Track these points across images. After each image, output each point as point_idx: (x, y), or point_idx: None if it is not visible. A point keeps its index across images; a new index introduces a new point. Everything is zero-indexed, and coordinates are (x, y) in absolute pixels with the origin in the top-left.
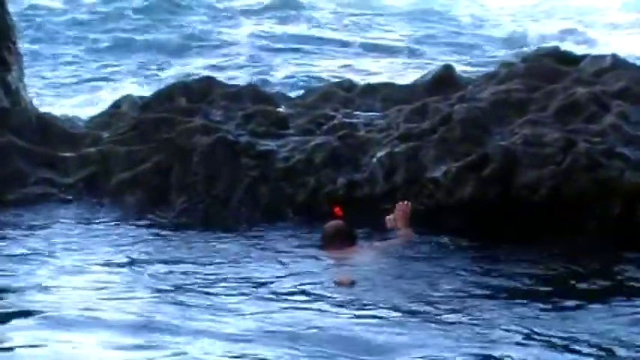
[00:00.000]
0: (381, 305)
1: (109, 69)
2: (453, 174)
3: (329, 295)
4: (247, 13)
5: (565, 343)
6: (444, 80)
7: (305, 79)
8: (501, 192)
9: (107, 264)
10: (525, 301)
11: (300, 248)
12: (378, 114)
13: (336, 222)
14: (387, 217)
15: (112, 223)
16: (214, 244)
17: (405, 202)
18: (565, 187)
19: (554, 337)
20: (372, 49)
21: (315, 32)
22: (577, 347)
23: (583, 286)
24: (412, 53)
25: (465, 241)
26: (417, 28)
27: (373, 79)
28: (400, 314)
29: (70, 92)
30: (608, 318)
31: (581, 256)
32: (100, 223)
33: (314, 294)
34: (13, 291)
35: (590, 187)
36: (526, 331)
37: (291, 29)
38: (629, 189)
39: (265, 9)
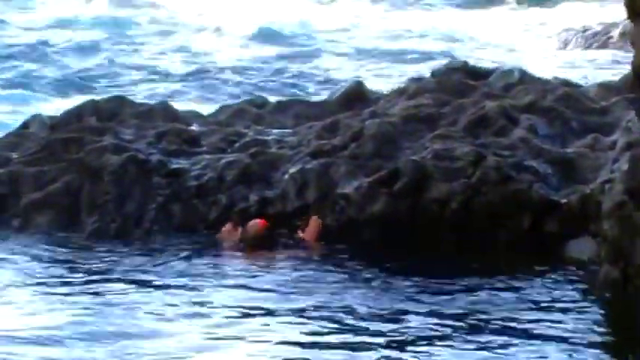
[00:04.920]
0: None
1: None
2: (364, 189)
3: (244, 306)
4: None
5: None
6: (355, 96)
7: None
8: (412, 206)
9: (17, 284)
10: (430, 314)
11: (212, 266)
12: (289, 131)
13: (255, 223)
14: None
15: (22, 244)
16: (126, 262)
17: (318, 219)
18: (475, 201)
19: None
20: None
21: None
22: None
23: (493, 299)
24: None
25: (377, 255)
26: None
27: None
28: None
29: None
30: (516, 325)
31: (492, 268)
32: (9, 243)
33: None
34: None
35: (500, 200)
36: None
37: None
38: (539, 202)
39: None
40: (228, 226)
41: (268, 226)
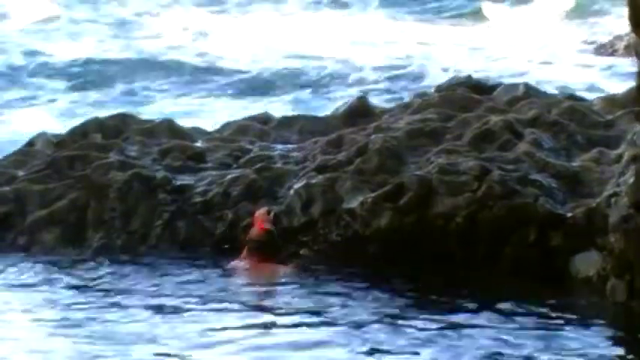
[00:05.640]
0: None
1: None
2: (369, 204)
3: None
4: None
5: None
6: (359, 111)
7: None
8: (418, 221)
9: (24, 304)
10: (435, 329)
11: (219, 277)
12: (294, 146)
13: (254, 229)
14: None
15: (29, 262)
16: (132, 280)
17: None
18: (480, 215)
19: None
20: None
21: None
22: None
23: (498, 315)
24: None
25: (382, 270)
26: None
27: None
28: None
29: None
30: (524, 340)
31: (497, 283)
32: (16, 261)
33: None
34: None
35: (505, 214)
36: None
37: None
38: (544, 215)
39: None
40: (262, 210)
41: (268, 230)
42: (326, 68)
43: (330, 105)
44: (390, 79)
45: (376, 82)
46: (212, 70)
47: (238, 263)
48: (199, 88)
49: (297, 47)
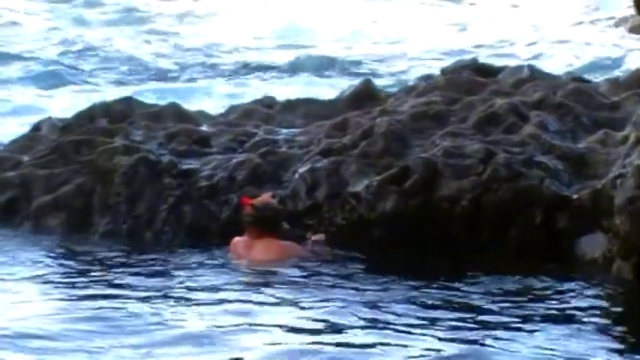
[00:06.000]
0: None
1: None
2: (374, 188)
3: (252, 309)
4: None
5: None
6: (364, 95)
7: None
8: (423, 204)
9: (29, 289)
10: (445, 313)
11: (225, 262)
12: (299, 130)
13: (247, 207)
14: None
15: (34, 247)
16: (137, 264)
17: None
18: (486, 198)
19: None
20: None
21: None
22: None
23: (503, 298)
24: None
25: (387, 253)
26: None
27: None
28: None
29: None
30: (530, 323)
31: (502, 266)
32: (21, 246)
33: (235, 308)
34: None
35: (510, 196)
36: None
37: None
38: (549, 198)
39: None
40: (267, 195)
41: (253, 205)
42: (329, 52)
43: (334, 88)
44: (390, 60)
45: (380, 62)
46: (216, 53)
47: (239, 240)
48: (204, 71)
49: (300, 30)
